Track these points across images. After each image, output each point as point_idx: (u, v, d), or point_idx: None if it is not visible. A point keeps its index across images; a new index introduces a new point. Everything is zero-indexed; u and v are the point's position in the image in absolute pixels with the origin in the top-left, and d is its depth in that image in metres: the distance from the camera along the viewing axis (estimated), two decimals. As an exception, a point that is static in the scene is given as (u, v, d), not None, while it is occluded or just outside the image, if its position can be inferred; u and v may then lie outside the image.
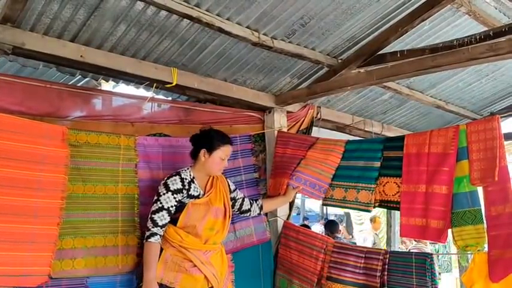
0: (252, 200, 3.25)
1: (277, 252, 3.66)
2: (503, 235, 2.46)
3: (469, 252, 2.67)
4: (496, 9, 3.27)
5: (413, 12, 3.03)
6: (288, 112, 4.00)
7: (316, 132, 4.17)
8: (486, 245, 2.57)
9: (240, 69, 3.49)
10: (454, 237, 2.70)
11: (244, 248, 3.52)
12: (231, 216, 2.96)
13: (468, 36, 2.94)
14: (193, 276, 2.68)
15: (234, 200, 3.08)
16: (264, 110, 3.91)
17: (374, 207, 3.09)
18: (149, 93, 3.41)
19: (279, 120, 3.88)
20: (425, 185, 2.80)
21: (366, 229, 9.03)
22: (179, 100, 3.80)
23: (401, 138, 3.04)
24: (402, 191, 2.90)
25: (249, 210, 3.21)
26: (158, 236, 2.61)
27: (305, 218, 16.00)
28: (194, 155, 2.87)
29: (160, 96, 3.65)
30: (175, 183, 2.70)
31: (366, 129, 4.81)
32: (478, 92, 4.85)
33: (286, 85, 3.85)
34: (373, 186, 3.07)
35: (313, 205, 19.73)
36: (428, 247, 6.78)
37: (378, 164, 3.11)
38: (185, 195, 2.73)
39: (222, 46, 3.14)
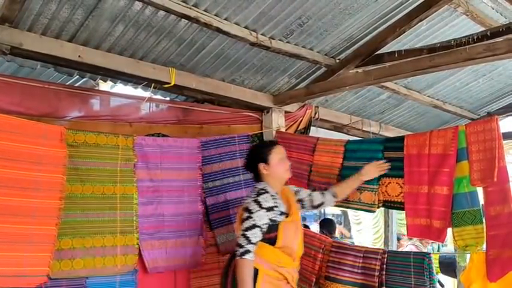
0: (322, 191, 3.05)
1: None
2: (502, 235, 2.47)
3: (467, 252, 2.68)
4: (493, 9, 3.28)
5: (411, 12, 3.04)
6: (286, 112, 4.00)
7: (314, 132, 4.18)
8: (484, 245, 2.58)
9: (238, 69, 3.49)
10: (454, 237, 2.71)
11: (243, 247, 3.52)
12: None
13: (466, 36, 2.96)
14: None
15: (301, 201, 2.94)
16: (262, 110, 3.91)
17: (378, 207, 3.09)
18: (147, 94, 3.41)
19: (277, 120, 3.88)
20: (427, 186, 2.81)
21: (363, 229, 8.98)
22: (177, 100, 3.80)
23: (401, 139, 3.04)
24: (405, 192, 2.90)
25: (323, 203, 3.01)
26: (252, 253, 2.47)
27: (303, 218, 15.99)
28: (258, 177, 2.76)
29: (159, 97, 3.65)
30: (267, 201, 2.57)
31: (363, 129, 4.82)
32: (476, 92, 4.87)
33: (284, 85, 3.86)
34: (375, 187, 3.06)
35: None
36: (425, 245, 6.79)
37: None
38: (277, 213, 2.60)
39: (220, 46, 3.15)
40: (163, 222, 3.14)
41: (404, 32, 3.21)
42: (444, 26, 3.44)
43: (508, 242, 2.45)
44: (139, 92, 3.52)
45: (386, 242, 6.16)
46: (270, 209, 2.56)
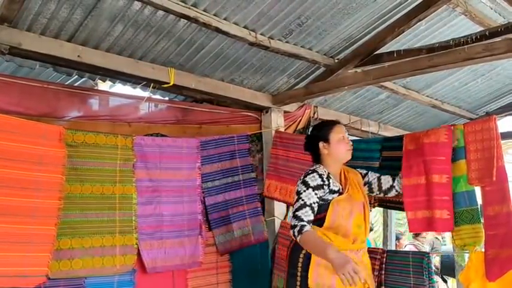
0: (393, 176, 2.86)
1: (274, 251, 3.67)
2: (501, 234, 2.47)
3: (466, 251, 2.68)
4: (491, 9, 3.28)
5: (409, 12, 3.05)
6: (285, 112, 4.00)
7: (313, 132, 4.18)
8: (483, 244, 2.58)
9: (237, 69, 3.49)
10: (452, 236, 2.72)
11: (242, 247, 3.52)
12: (370, 210, 2.72)
13: (464, 36, 2.96)
14: None
15: (369, 184, 2.80)
16: (261, 109, 3.91)
17: (374, 207, 3.10)
18: (146, 94, 3.41)
19: (276, 120, 3.89)
20: (424, 176, 2.76)
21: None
22: (176, 100, 3.80)
23: (399, 138, 3.03)
24: (404, 185, 2.80)
25: (392, 186, 2.80)
26: (308, 226, 2.36)
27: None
28: (317, 156, 2.66)
29: (158, 97, 3.65)
30: (314, 180, 2.48)
31: (362, 128, 4.82)
32: (474, 92, 4.87)
33: (283, 85, 3.86)
34: None
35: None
36: (425, 245, 6.80)
37: (376, 164, 3.12)
38: (327, 191, 2.50)
39: (219, 46, 3.15)
40: (162, 222, 3.13)
41: (403, 32, 3.21)
42: (443, 26, 3.45)
43: (507, 242, 2.45)
44: (138, 92, 3.52)
45: (385, 241, 6.16)
46: (317, 187, 2.46)
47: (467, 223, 2.64)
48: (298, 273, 2.46)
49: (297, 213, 2.41)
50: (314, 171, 2.53)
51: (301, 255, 2.48)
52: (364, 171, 2.84)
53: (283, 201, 3.68)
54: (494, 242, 2.50)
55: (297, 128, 4.08)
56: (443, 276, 6.05)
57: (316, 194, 2.45)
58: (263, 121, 3.92)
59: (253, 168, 3.71)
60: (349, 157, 2.66)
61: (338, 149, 2.60)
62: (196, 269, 3.28)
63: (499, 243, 2.48)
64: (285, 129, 3.97)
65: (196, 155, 3.37)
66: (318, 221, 2.49)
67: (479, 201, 2.66)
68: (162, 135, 3.36)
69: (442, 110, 5.04)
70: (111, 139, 2.96)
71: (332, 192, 2.52)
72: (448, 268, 5.46)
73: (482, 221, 2.60)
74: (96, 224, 2.83)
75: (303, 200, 2.43)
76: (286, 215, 3.85)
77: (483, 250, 2.57)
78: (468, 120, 5.12)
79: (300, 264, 2.48)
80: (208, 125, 3.68)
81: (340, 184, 2.59)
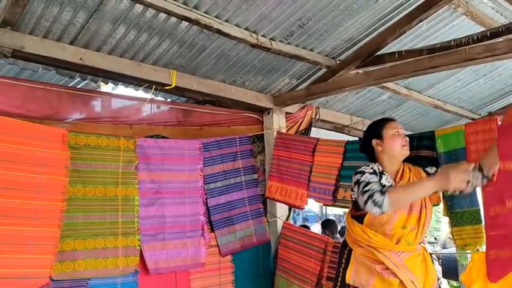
0: None
1: (276, 252, 3.67)
2: (501, 235, 2.47)
3: (467, 252, 2.68)
4: (493, 9, 3.28)
5: (410, 13, 3.04)
6: (286, 113, 4.01)
7: (315, 132, 4.19)
8: (484, 245, 2.58)
9: (238, 71, 3.50)
10: (453, 237, 2.71)
11: (245, 248, 3.53)
12: (429, 212, 2.46)
13: (465, 36, 2.96)
14: (386, 279, 2.29)
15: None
16: (262, 111, 3.92)
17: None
18: (148, 95, 3.42)
19: (278, 121, 3.90)
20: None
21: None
22: (178, 102, 3.81)
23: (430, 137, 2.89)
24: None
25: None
26: (384, 189, 2.18)
27: (305, 219, 15.98)
28: (372, 155, 2.54)
29: (160, 98, 3.66)
30: (367, 169, 2.37)
31: (364, 129, 4.81)
32: (476, 92, 4.86)
33: (285, 86, 3.86)
34: None
35: (312, 205, 19.72)
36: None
37: None
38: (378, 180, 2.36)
39: (221, 48, 3.15)
40: (165, 223, 3.15)
41: (404, 33, 3.21)
42: (444, 27, 3.44)
43: (508, 242, 2.44)
44: (140, 94, 3.53)
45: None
46: (372, 173, 2.34)
47: (468, 224, 2.64)
48: (341, 268, 2.49)
49: (364, 189, 2.24)
50: (366, 165, 2.42)
51: (346, 251, 2.50)
52: (433, 170, 2.57)
53: (285, 203, 3.68)
54: (495, 243, 2.49)
55: (299, 129, 4.08)
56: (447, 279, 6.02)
57: (373, 176, 2.32)
58: (265, 122, 3.93)
59: (255, 169, 3.72)
60: (406, 153, 2.47)
61: (392, 144, 2.45)
62: (198, 270, 3.30)
63: (500, 243, 2.47)
64: (287, 131, 3.97)
65: (198, 156, 3.39)
66: (359, 218, 2.42)
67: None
68: (163, 137, 3.38)
69: (444, 111, 5.03)
70: (113, 141, 2.97)
71: (382, 186, 2.31)
72: (449, 272, 5.43)
73: (483, 221, 2.60)
74: (99, 226, 2.85)
75: (364, 181, 2.29)
76: (289, 216, 3.86)
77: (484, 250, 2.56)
78: (470, 121, 5.11)
79: (343, 260, 2.49)
80: (209, 126, 3.69)
81: (394, 180, 2.44)
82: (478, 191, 2.63)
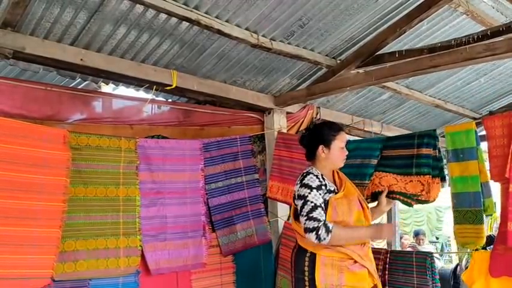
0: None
1: (278, 252, 3.67)
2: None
3: (468, 251, 2.69)
4: (493, 8, 3.28)
5: (411, 12, 3.05)
6: (287, 113, 4.01)
7: (315, 132, 4.18)
8: (485, 244, 2.58)
9: (239, 71, 3.50)
10: (455, 234, 2.72)
11: (246, 248, 3.53)
12: (368, 206, 2.68)
13: (466, 36, 2.96)
14: (357, 273, 2.43)
15: None
16: (263, 111, 3.92)
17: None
18: (149, 96, 3.42)
19: (279, 121, 3.90)
20: None
21: None
22: (179, 102, 3.81)
23: (397, 138, 2.96)
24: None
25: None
26: (329, 224, 2.35)
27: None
28: (311, 155, 2.64)
29: (160, 99, 3.66)
30: (313, 181, 2.47)
31: (365, 129, 4.82)
32: (477, 91, 4.87)
33: (286, 86, 3.87)
34: (366, 182, 3.06)
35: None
36: (424, 245, 6.80)
37: (374, 161, 3.12)
38: (325, 191, 2.48)
39: (221, 48, 3.16)
40: (166, 223, 3.15)
41: (404, 32, 3.21)
42: (444, 26, 3.45)
43: None
44: (140, 94, 3.53)
45: (389, 241, 6.15)
46: (318, 187, 2.45)
47: (470, 223, 2.64)
48: (306, 277, 2.43)
49: (311, 215, 2.36)
50: (308, 173, 2.53)
51: (306, 259, 2.46)
52: None
53: (286, 203, 3.68)
54: (507, 240, 2.47)
55: (300, 129, 4.08)
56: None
57: (320, 194, 2.44)
58: (265, 122, 3.93)
59: (256, 169, 3.72)
60: (342, 166, 2.68)
61: (338, 157, 2.60)
62: (200, 270, 3.29)
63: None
64: (288, 130, 3.97)
65: (199, 156, 3.38)
66: None
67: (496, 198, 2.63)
68: (164, 137, 3.38)
69: (445, 110, 5.04)
70: (114, 141, 2.97)
71: (329, 192, 2.50)
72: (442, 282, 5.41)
73: (484, 221, 2.60)
74: (100, 226, 2.85)
75: (311, 202, 2.40)
76: (290, 216, 3.86)
77: (483, 250, 2.57)
78: (471, 120, 5.12)
79: (306, 268, 2.45)
80: (210, 126, 3.69)
81: (335, 184, 2.59)
82: (483, 190, 2.62)
